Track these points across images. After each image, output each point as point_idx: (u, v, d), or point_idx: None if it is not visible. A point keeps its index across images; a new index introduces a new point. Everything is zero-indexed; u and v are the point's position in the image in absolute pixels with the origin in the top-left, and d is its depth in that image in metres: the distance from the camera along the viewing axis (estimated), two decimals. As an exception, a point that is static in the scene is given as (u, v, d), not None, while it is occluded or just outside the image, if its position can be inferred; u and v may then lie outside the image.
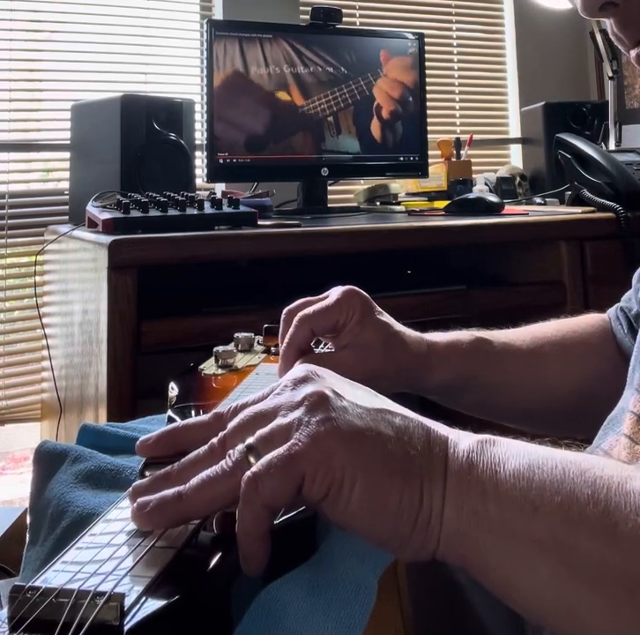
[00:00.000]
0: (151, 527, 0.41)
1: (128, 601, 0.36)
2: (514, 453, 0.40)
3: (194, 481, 0.41)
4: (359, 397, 0.44)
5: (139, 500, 0.42)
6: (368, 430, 0.41)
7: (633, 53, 0.61)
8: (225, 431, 0.44)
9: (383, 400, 0.45)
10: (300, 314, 0.69)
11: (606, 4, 0.59)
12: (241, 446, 0.41)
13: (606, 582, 0.36)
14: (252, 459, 0.40)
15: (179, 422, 0.51)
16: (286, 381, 0.45)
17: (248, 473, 0.39)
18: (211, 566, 0.40)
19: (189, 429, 0.49)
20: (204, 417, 0.49)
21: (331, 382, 0.44)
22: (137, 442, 0.49)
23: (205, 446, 0.44)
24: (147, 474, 0.46)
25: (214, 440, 0.44)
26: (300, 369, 0.45)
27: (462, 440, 0.42)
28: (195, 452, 0.44)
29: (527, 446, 0.41)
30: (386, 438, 0.41)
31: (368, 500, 0.39)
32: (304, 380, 0.44)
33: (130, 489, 0.44)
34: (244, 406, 0.46)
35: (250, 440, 0.41)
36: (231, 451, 0.42)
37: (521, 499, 0.38)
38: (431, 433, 0.42)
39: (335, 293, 0.71)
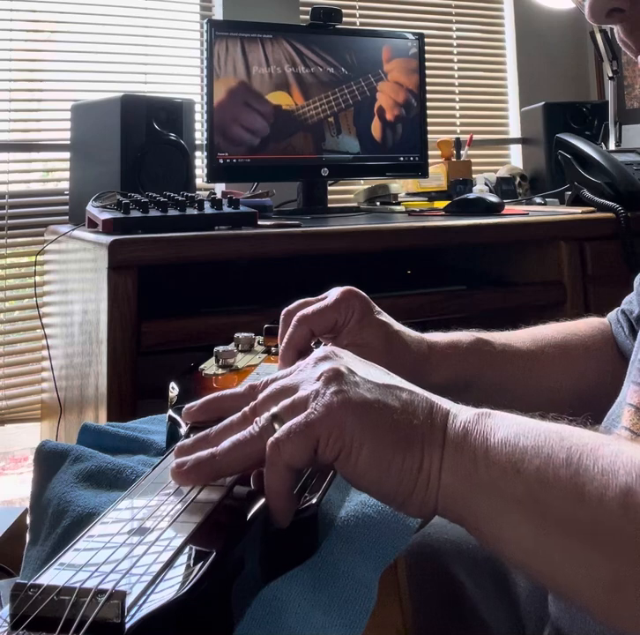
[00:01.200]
0: (188, 483, 0.47)
1: (129, 600, 0.36)
2: (505, 424, 0.45)
3: (226, 443, 0.47)
4: (371, 374, 0.49)
5: (177, 460, 0.48)
6: (376, 402, 0.46)
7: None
8: (255, 401, 0.50)
9: (394, 378, 0.50)
10: (298, 314, 0.69)
11: (613, 11, 0.60)
12: (267, 414, 0.47)
13: (576, 535, 0.40)
14: (276, 426, 0.46)
15: (218, 392, 0.57)
16: (309, 359, 0.51)
17: (271, 438, 0.45)
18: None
19: (227, 399, 0.56)
20: (239, 389, 0.56)
21: (348, 360, 0.50)
22: (184, 409, 0.57)
23: (238, 414, 0.50)
24: (191, 436, 0.52)
25: (246, 409, 0.50)
26: (321, 349, 0.52)
27: (462, 412, 0.47)
28: (229, 419, 0.51)
29: (517, 418, 0.46)
30: (392, 409, 0.46)
31: (374, 462, 0.45)
32: (324, 358, 0.50)
33: (175, 447, 0.50)
34: (273, 380, 0.52)
35: (275, 409, 0.47)
36: (258, 419, 0.48)
37: (506, 463, 0.42)
38: (434, 406, 0.47)
39: (334, 293, 0.71)
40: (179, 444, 0.51)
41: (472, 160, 2.25)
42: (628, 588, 0.39)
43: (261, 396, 0.51)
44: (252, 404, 0.50)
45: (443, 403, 0.48)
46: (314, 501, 0.51)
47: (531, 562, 0.42)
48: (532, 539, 0.41)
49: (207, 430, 0.51)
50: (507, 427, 0.45)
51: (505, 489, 0.42)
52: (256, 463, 0.47)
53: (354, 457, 0.45)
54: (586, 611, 0.43)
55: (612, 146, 2.23)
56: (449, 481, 0.44)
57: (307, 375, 0.49)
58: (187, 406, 0.57)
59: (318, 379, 0.48)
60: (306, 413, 0.46)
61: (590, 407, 0.74)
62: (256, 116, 1.89)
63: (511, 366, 0.78)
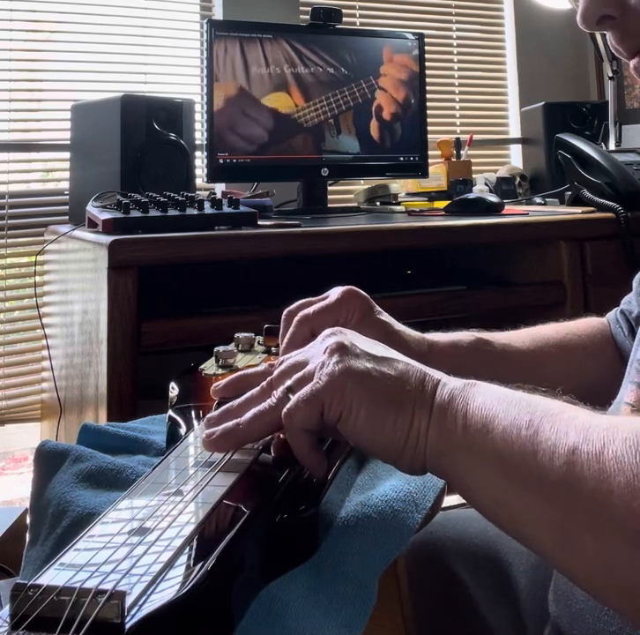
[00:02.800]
0: (217, 450, 0.55)
1: (129, 600, 0.36)
2: (485, 392, 0.51)
3: (248, 414, 0.55)
4: (372, 348, 0.55)
5: (207, 431, 0.56)
6: (374, 370, 0.52)
7: (631, 63, 0.63)
8: (272, 376, 0.58)
9: (393, 353, 0.56)
10: (300, 314, 0.69)
11: (604, 17, 0.61)
12: (282, 387, 0.55)
13: (530, 487, 0.45)
14: (291, 396, 0.53)
15: (241, 372, 0.67)
16: (319, 337, 0.57)
17: (284, 409, 0.52)
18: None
19: (249, 377, 0.64)
20: (259, 368, 0.66)
21: (351, 337, 0.56)
22: (212, 387, 0.66)
23: (258, 388, 0.58)
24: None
25: (264, 383, 0.58)
26: (329, 328, 0.58)
27: (451, 382, 0.53)
28: (250, 393, 0.58)
29: (499, 388, 0.51)
30: (388, 377, 0.52)
31: (370, 421, 0.51)
32: (330, 335, 0.57)
33: (205, 419, 0.58)
34: (288, 357, 0.59)
35: (289, 382, 0.55)
36: (275, 392, 0.55)
37: (480, 425, 0.48)
38: (427, 376, 0.53)
39: (335, 293, 0.71)
40: (208, 416, 0.58)
41: (472, 160, 2.25)
42: (573, 535, 0.43)
43: (276, 371, 0.57)
44: (269, 378, 0.57)
45: (436, 374, 0.53)
46: (314, 501, 0.51)
47: (496, 510, 0.48)
48: (496, 490, 0.47)
49: (231, 403, 0.58)
50: (486, 395, 0.50)
51: (477, 447, 0.48)
52: (275, 429, 0.55)
53: (353, 418, 0.51)
54: (541, 557, 0.48)
55: (612, 146, 2.23)
56: (434, 439, 0.50)
57: (315, 350, 0.56)
58: (215, 384, 0.66)
59: (324, 352, 0.54)
60: (312, 383, 0.52)
61: (590, 405, 0.74)
62: (256, 116, 1.89)
63: (511, 365, 0.78)
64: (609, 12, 0.61)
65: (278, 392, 0.55)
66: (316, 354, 0.55)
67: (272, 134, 1.90)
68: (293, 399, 0.52)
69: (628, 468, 0.41)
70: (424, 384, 0.52)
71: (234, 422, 0.55)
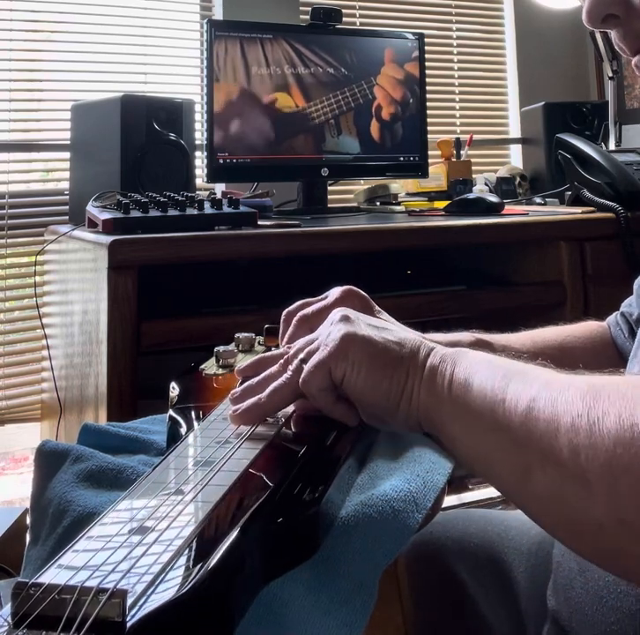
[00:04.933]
0: (244, 423, 0.61)
1: (131, 599, 0.36)
2: (473, 357, 0.56)
3: (268, 389, 0.61)
4: (374, 322, 0.62)
5: (233, 407, 0.62)
6: (374, 338, 0.58)
7: (634, 60, 0.64)
8: (288, 354, 0.64)
9: (393, 326, 0.64)
10: (299, 315, 0.70)
11: (609, 16, 0.63)
12: (296, 360, 0.61)
13: (498, 431, 0.49)
14: (304, 366, 0.60)
15: (263, 354, 0.72)
16: (327, 319, 0.63)
17: (300, 378, 0.59)
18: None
19: (268, 358, 0.69)
20: (280, 350, 0.70)
21: (356, 312, 0.63)
22: (236, 368, 0.72)
23: (276, 365, 0.64)
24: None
25: (282, 361, 0.64)
26: (337, 309, 0.64)
27: (444, 349, 0.58)
28: (269, 370, 0.64)
29: (487, 354, 0.57)
30: (386, 343, 0.58)
31: (368, 381, 0.57)
32: (337, 311, 0.62)
33: (229, 395, 0.64)
34: (302, 339, 0.65)
35: (301, 355, 0.61)
36: (290, 366, 0.62)
37: (462, 382, 0.53)
38: (422, 344, 0.59)
39: (334, 293, 0.72)
40: (231, 391, 0.65)
41: (472, 160, 2.25)
42: (528, 473, 0.47)
43: (292, 350, 0.64)
44: (285, 356, 0.64)
45: (431, 343, 0.59)
46: (314, 500, 0.51)
47: (471, 455, 0.53)
48: (472, 436, 0.52)
49: (251, 380, 0.64)
50: (474, 359, 0.56)
51: (459, 400, 0.53)
52: (294, 399, 0.61)
53: (355, 377, 0.57)
54: (507, 496, 0.52)
55: (612, 146, 2.23)
56: (425, 397, 0.55)
57: (324, 325, 0.63)
58: (239, 365, 0.72)
59: (331, 324, 0.61)
60: (320, 350, 0.59)
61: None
62: (256, 116, 1.89)
63: None
64: (614, 11, 0.63)
65: (293, 365, 0.61)
66: (325, 328, 0.62)
67: (273, 134, 1.90)
68: (305, 368, 0.59)
69: (575, 409, 0.45)
70: (419, 348, 0.58)
71: (257, 396, 0.61)
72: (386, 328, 0.60)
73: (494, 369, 0.53)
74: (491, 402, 0.50)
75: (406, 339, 0.59)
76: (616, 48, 0.65)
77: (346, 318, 0.60)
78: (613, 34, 0.65)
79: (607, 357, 0.82)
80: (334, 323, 0.61)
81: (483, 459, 0.52)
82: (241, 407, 0.61)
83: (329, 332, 0.60)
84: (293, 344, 0.66)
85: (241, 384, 0.67)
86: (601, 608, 0.59)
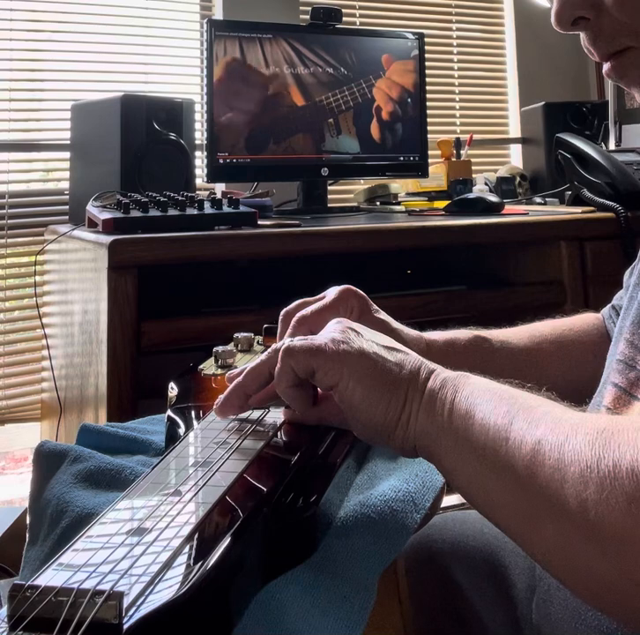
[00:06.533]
0: (225, 411, 0.62)
1: (127, 600, 0.36)
2: (475, 383, 0.54)
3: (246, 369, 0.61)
4: (376, 337, 0.59)
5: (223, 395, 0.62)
6: (374, 354, 0.56)
7: (604, 67, 0.63)
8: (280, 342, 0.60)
9: (395, 343, 0.60)
10: (297, 315, 0.69)
11: (579, 19, 0.61)
12: (281, 342, 0.58)
13: (502, 471, 0.47)
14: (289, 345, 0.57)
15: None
16: (327, 325, 0.61)
17: (285, 343, 0.57)
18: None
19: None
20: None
21: (357, 326, 0.60)
22: (227, 374, 0.69)
23: (268, 351, 0.62)
24: None
25: (271, 348, 0.61)
26: (336, 318, 0.62)
27: (445, 372, 0.56)
28: (260, 357, 0.62)
29: (489, 382, 0.54)
30: (385, 361, 0.56)
31: (365, 399, 0.54)
32: (338, 322, 0.60)
33: (226, 375, 0.66)
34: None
35: (290, 339, 0.58)
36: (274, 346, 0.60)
37: (464, 411, 0.51)
38: (423, 364, 0.57)
39: (332, 292, 0.71)
40: (228, 374, 0.66)
41: (472, 159, 2.25)
42: (534, 521, 0.45)
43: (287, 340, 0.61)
44: (277, 344, 0.60)
45: (431, 364, 0.57)
46: (313, 501, 0.51)
47: (472, 491, 0.50)
48: (472, 472, 0.50)
49: (242, 367, 0.64)
50: (474, 386, 0.53)
51: (459, 432, 0.51)
52: (271, 380, 0.59)
53: (350, 392, 0.54)
54: (510, 538, 0.49)
55: (612, 146, 2.23)
56: (423, 422, 0.53)
57: (325, 331, 0.60)
58: (229, 372, 0.69)
59: (333, 332, 0.58)
60: (317, 341, 0.56)
61: (586, 402, 0.74)
62: (256, 116, 1.89)
63: (509, 363, 0.78)
64: (583, 14, 0.61)
65: (276, 346, 0.59)
66: (323, 334, 0.59)
67: (272, 134, 1.90)
68: (296, 340, 0.57)
69: (583, 460, 0.42)
70: (419, 371, 0.56)
71: (236, 382, 0.61)
72: (387, 345, 0.58)
73: (498, 402, 0.50)
74: (494, 439, 0.48)
75: (407, 358, 0.57)
76: (585, 51, 0.63)
77: (349, 329, 0.58)
78: (582, 38, 0.63)
79: (603, 351, 0.82)
80: (337, 330, 0.58)
81: (484, 497, 0.50)
82: (221, 398, 0.62)
83: (330, 335, 0.58)
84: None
85: None
86: (580, 625, 0.59)
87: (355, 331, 0.59)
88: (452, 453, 0.51)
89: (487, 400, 0.51)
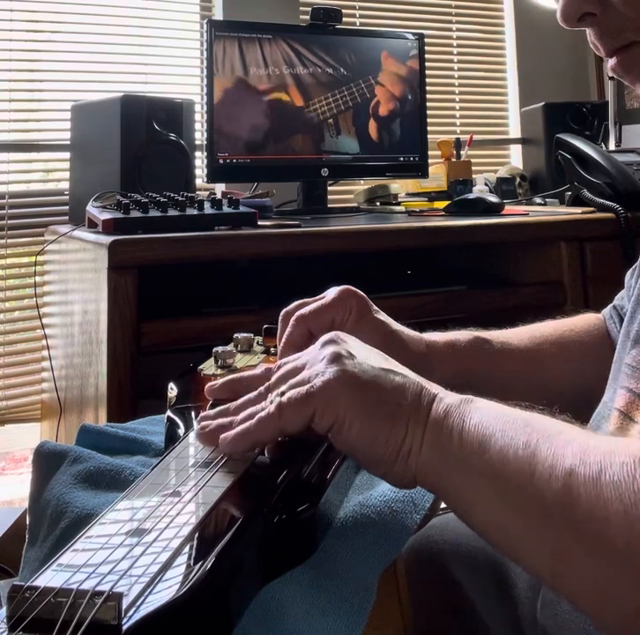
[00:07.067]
0: (209, 444, 0.55)
1: (127, 601, 0.36)
2: (483, 409, 0.50)
3: (242, 414, 0.55)
4: (370, 358, 0.55)
5: (203, 423, 0.57)
6: (370, 383, 0.52)
7: (609, 62, 0.63)
8: (269, 382, 0.57)
9: (391, 363, 0.56)
10: (296, 314, 0.69)
11: (585, 15, 0.61)
12: (277, 391, 0.54)
13: (526, 508, 0.45)
14: (284, 402, 0.52)
15: (238, 374, 0.66)
16: (317, 343, 0.57)
17: (276, 401, 0.52)
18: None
19: (245, 379, 0.65)
20: (256, 371, 0.66)
21: (351, 345, 0.56)
22: (206, 386, 0.65)
23: (255, 392, 0.58)
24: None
25: (262, 388, 0.58)
26: (328, 334, 0.57)
27: (448, 397, 0.52)
28: (247, 396, 0.58)
29: (495, 405, 0.51)
30: (383, 390, 0.52)
31: (363, 434, 0.51)
32: (329, 342, 0.56)
33: (199, 416, 0.59)
34: (286, 362, 0.58)
35: (283, 387, 0.54)
36: (270, 396, 0.54)
37: (476, 443, 0.48)
38: (423, 390, 0.52)
39: (332, 293, 0.71)
40: (202, 414, 0.59)
41: (472, 160, 2.25)
42: (570, 561, 0.42)
43: (274, 376, 0.57)
44: (266, 383, 0.57)
45: (433, 388, 0.53)
46: (312, 501, 0.51)
47: (490, 529, 0.48)
48: (492, 510, 0.47)
49: (228, 405, 0.59)
50: (483, 412, 0.50)
51: (473, 466, 0.47)
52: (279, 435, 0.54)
53: (346, 429, 0.51)
54: (540, 580, 0.47)
55: (612, 146, 2.23)
56: (427, 455, 0.50)
57: (313, 357, 0.55)
58: (210, 384, 0.65)
59: (322, 360, 0.53)
60: (307, 386, 0.52)
61: (589, 401, 0.74)
62: (256, 117, 1.89)
63: (510, 364, 0.78)
64: (590, 9, 0.61)
65: (273, 397, 0.54)
66: (314, 361, 0.55)
67: (272, 134, 1.90)
68: (287, 395, 0.52)
69: (626, 495, 0.41)
70: (420, 398, 0.52)
71: (229, 419, 0.56)
72: (383, 369, 0.54)
73: (514, 429, 0.47)
74: (517, 474, 0.45)
75: (405, 383, 0.53)
76: (591, 46, 0.64)
77: (338, 358, 0.53)
78: (589, 33, 0.63)
79: (605, 352, 0.82)
80: (325, 360, 0.53)
81: (506, 537, 0.47)
82: (211, 425, 0.56)
83: (319, 372, 0.53)
84: (276, 366, 0.60)
85: (212, 406, 0.63)
86: (588, 626, 0.59)
87: (347, 353, 0.54)
88: (467, 491, 0.48)
89: (501, 429, 0.47)
